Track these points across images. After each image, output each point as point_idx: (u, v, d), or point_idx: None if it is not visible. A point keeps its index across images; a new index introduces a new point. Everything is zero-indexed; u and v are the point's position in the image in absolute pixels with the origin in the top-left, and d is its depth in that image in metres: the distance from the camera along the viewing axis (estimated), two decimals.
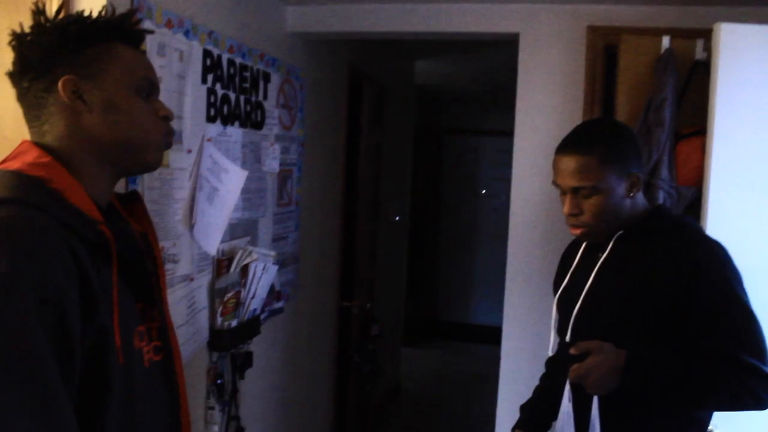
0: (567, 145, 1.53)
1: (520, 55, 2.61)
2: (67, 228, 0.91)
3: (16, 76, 1.03)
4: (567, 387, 1.54)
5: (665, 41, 2.23)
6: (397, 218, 4.98)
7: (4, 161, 1.02)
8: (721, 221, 1.94)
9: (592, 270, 1.55)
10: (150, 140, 1.08)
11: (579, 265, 1.64)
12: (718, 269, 1.42)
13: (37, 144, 1.02)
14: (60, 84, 1.00)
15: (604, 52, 2.48)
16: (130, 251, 1.02)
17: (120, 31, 1.06)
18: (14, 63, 1.03)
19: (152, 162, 1.11)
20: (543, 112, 2.59)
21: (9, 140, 1.54)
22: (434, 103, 6.52)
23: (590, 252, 1.62)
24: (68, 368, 0.87)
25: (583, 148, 1.48)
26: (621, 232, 1.53)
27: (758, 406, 1.37)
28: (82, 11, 1.07)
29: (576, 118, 2.52)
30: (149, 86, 1.09)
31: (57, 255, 0.87)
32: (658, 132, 2.12)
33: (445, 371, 5.85)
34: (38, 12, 1.03)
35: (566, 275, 1.66)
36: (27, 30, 1.03)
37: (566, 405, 1.53)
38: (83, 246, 0.92)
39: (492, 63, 4.45)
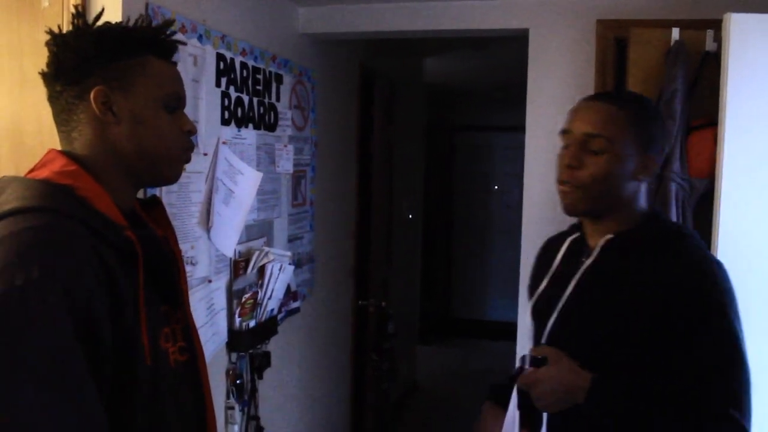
0: (599, 95, 1.42)
1: (530, 51, 2.62)
2: (96, 234, 0.94)
3: (49, 77, 1.05)
4: (514, 392, 1.36)
5: (675, 33, 2.22)
6: (410, 216, 4.99)
7: (32, 170, 1.04)
8: (733, 213, 1.94)
9: (573, 277, 1.37)
10: (172, 155, 1.10)
11: (560, 269, 1.45)
12: (718, 307, 1.24)
13: (64, 152, 1.05)
14: (92, 95, 1.02)
15: (614, 45, 2.47)
16: (156, 254, 1.04)
17: (154, 44, 1.08)
18: (48, 64, 1.05)
19: (172, 176, 1.14)
20: (554, 106, 2.59)
21: (29, 148, 1.57)
22: (445, 100, 6.52)
23: (573, 256, 1.44)
24: (98, 371, 0.89)
25: (616, 101, 1.33)
26: (610, 236, 1.35)
27: None
28: (120, 21, 1.10)
29: None
30: (177, 101, 1.11)
31: (86, 261, 0.90)
32: (669, 124, 2.12)
33: (461, 368, 5.85)
34: (77, 15, 1.05)
35: (543, 279, 1.48)
36: (65, 32, 1.05)
37: (512, 411, 1.36)
38: (111, 251, 0.95)
39: (501, 58, 4.44)
